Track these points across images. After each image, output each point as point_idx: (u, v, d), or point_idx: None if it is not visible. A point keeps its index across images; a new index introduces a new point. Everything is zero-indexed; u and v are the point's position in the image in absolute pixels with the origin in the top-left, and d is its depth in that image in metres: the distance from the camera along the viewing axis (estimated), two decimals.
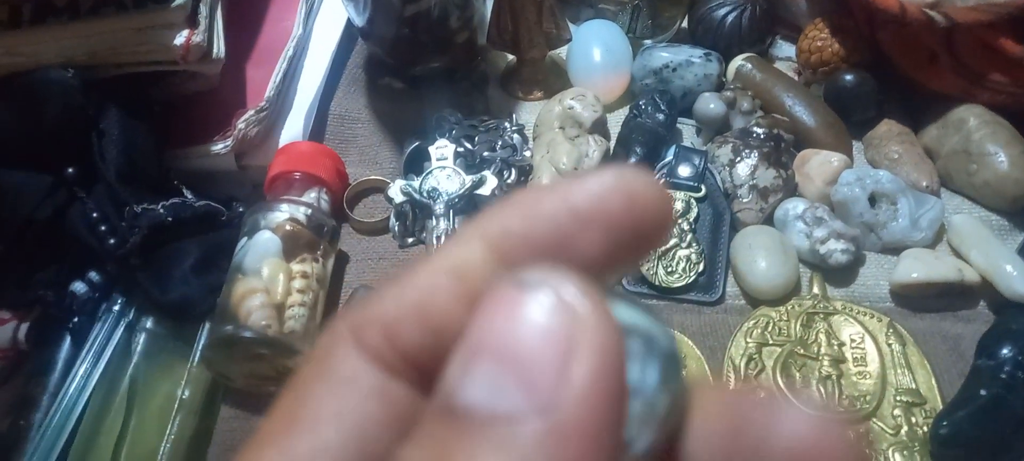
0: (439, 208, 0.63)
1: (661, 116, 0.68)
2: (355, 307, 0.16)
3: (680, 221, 0.64)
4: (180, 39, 0.61)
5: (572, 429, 0.13)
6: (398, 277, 0.16)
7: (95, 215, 0.59)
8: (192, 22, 0.62)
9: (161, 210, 0.60)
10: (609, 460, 0.13)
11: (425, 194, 0.64)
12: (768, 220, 0.65)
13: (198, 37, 0.61)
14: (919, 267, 0.59)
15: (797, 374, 0.57)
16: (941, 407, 0.54)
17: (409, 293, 0.16)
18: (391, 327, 0.15)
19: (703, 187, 0.65)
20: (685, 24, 0.79)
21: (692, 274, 0.62)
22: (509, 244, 0.16)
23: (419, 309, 0.15)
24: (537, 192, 0.16)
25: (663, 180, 0.66)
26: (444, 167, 0.65)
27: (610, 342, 0.13)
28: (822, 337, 0.58)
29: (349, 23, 0.77)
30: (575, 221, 0.15)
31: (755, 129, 0.68)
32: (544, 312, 0.13)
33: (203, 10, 0.63)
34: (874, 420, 0.54)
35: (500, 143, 0.69)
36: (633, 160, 0.67)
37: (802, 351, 0.58)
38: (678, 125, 0.72)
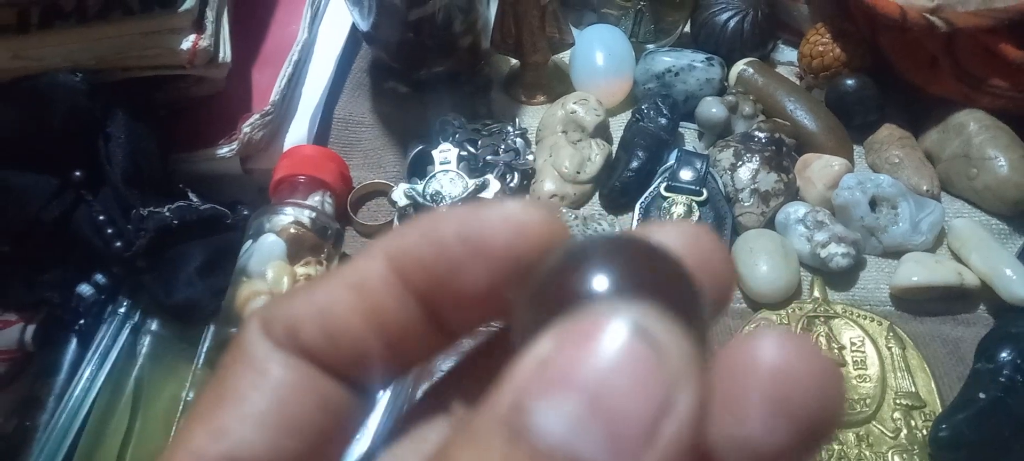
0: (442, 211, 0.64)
1: (663, 120, 0.69)
2: (265, 307, 0.18)
3: None
4: (187, 44, 0.61)
5: None
6: (307, 285, 0.17)
7: (101, 217, 0.59)
8: (199, 27, 0.62)
9: (167, 213, 0.60)
10: None
11: (429, 198, 0.65)
12: (769, 224, 0.65)
13: (205, 42, 0.62)
14: (919, 271, 0.60)
15: None
16: (941, 410, 0.54)
17: (312, 299, 0.17)
18: (293, 326, 0.17)
19: (705, 191, 0.65)
20: (687, 29, 0.79)
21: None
22: (407, 264, 0.16)
23: (320, 314, 0.16)
24: (437, 217, 0.16)
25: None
26: (447, 171, 0.66)
27: (701, 404, 0.13)
28: (822, 340, 0.58)
29: (354, 27, 0.78)
30: (464, 250, 0.16)
31: (757, 133, 0.68)
32: (643, 360, 0.13)
33: (210, 15, 0.63)
34: (874, 423, 0.55)
35: (503, 147, 0.70)
36: (635, 164, 0.67)
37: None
38: (680, 129, 0.72)
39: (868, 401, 0.55)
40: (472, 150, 0.69)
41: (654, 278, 0.14)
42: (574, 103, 0.70)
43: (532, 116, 0.75)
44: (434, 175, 0.66)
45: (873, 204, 0.63)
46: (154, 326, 0.61)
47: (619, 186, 0.67)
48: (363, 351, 0.17)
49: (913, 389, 0.56)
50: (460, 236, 0.16)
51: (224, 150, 0.66)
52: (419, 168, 0.69)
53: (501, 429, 0.13)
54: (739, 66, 0.74)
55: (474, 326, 0.18)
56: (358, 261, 0.17)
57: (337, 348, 0.16)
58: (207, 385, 0.17)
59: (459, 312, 0.17)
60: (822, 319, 0.59)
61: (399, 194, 0.65)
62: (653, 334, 0.13)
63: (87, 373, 0.58)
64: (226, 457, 0.16)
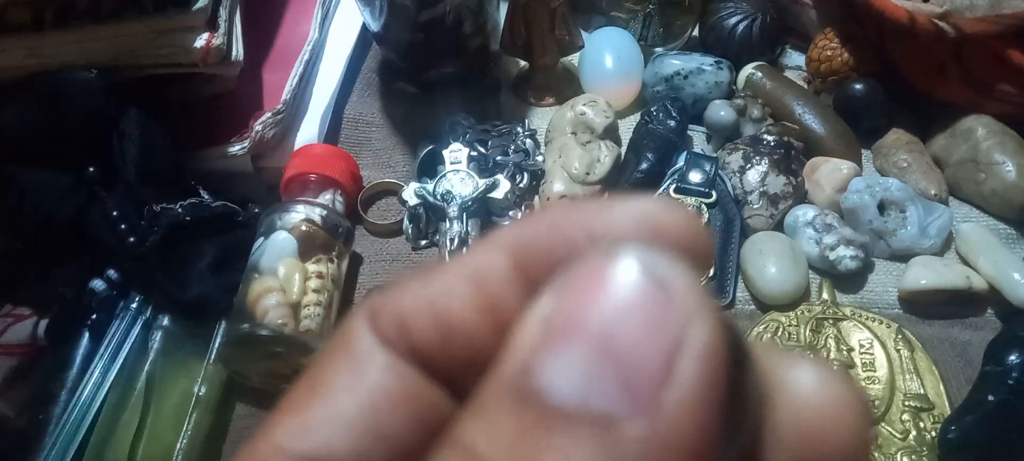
0: (453, 211, 0.64)
1: (672, 123, 0.69)
2: (375, 296, 0.16)
3: None
4: (200, 42, 0.62)
5: (677, 438, 0.11)
6: (420, 274, 0.16)
7: (115, 214, 0.60)
8: (212, 26, 0.63)
9: (179, 210, 0.61)
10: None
11: (439, 197, 0.65)
12: (778, 226, 0.65)
13: (218, 40, 0.62)
14: (928, 274, 0.60)
15: None
16: (949, 412, 0.55)
17: (426, 290, 0.15)
18: (404, 319, 0.15)
19: (714, 193, 0.65)
20: (696, 32, 0.80)
21: (702, 279, 0.62)
22: (530, 259, 0.15)
23: (433, 307, 0.15)
24: (563, 210, 0.15)
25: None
26: (458, 170, 0.66)
27: (720, 341, 0.12)
28: (831, 342, 0.59)
29: (364, 28, 0.78)
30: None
31: (765, 136, 0.69)
32: (649, 298, 0.12)
33: (222, 14, 0.64)
34: (883, 425, 0.55)
35: (513, 147, 0.70)
36: (644, 166, 0.68)
37: (811, 356, 0.58)
38: (689, 132, 0.73)
39: (877, 403, 0.55)
40: (482, 150, 0.69)
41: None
42: (583, 105, 0.71)
43: (541, 117, 0.76)
44: (445, 174, 0.66)
45: (881, 208, 0.63)
46: (166, 322, 0.61)
47: (628, 187, 0.68)
48: (478, 349, 0.15)
49: (922, 391, 0.56)
50: (591, 234, 0.14)
51: (236, 148, 0.67)
52: (429, 168, 0.69)
53: (509, 396, 0.12)
54: (747, 70, 0.75)
55: None
56: (475, 252, 0.15)
57: (450, 346, 0.15)
58: (305, 372, 0.16)
59: None
60: (831, 321, 0.60)
61: (409, 193, 0.66)
62: (658, 271, 0.12)
63: (99, 368, 0.58)
64: (306, 458, 0.15)
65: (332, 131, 0.74)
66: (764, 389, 0.14)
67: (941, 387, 0.56)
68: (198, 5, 0.62)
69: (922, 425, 0.54)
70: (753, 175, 0.66)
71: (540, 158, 0.71)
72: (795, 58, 0.80)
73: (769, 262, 0.61)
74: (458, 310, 0.15)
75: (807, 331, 0.59)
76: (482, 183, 0.66)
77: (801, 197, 0.67)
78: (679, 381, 0.12)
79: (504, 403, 0.12)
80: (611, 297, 0.12)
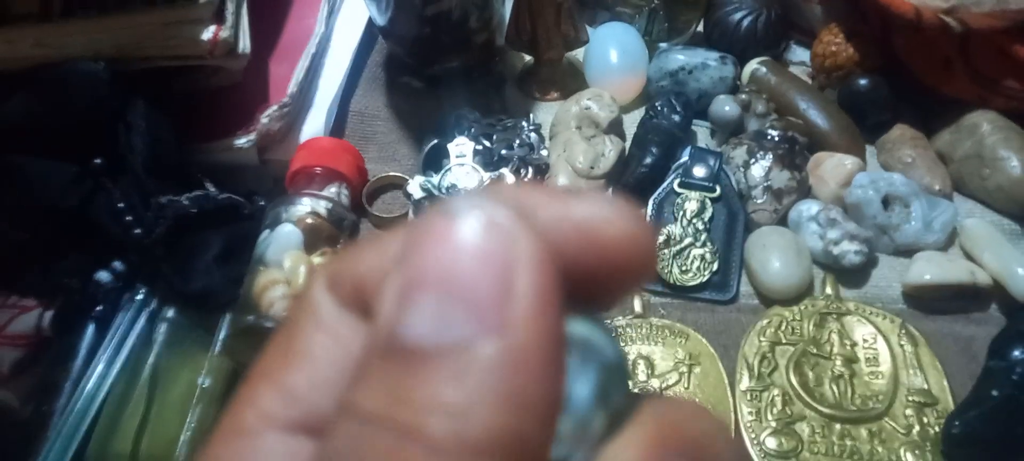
0: None
1: (677, 118, 0.69)
2: (332, 260, 0.17)
3: (695, 221, 0.64)
4: (207, 34, 0.62)
5: (527, 345, 0.13)
6: (377, 240, 0.16)
7: (120, 205, 0.60)
8: (219, 18, 0.63)
9: (185, 202, 0.61)
10: (560, 384, 0.13)
11: (444, 190, 0.65)
12: (782, 221, 0.65)
13: (225, 32, 0.62)
14: (932, 269, 0.60)
15: (810, 373, 0.57)
16: (953, 407, 0.55)
17: (380, 258, 0.16)
18: (360, 284, 0.16)
19: (718, 187, 0.66)
20: (701, 28, 0.80)
21: (706, 273, 0.62)
22: None
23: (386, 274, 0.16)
24: (534, 191, 0.16)
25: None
26: (463, 164, 0.66)
27: (544, 254, 0.13)
28: (835, 337, 0.59)
29: (370, 22, 0.78)
30: (579, 236, 0.16)
31: (770, 131, 0.69)
32: (477, 234, 0.13)
33: (230, 6, 0.64)
34: (886, 419, 0.55)
35: (518, 142, 0.70)
36: (648, 160, 0.68)
37: (815, 351, 0.58)
38: (693, 127, 0.73)
39: (880, 397, 0.56)
40: (487, 144, 0.69)
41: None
42: (588, 99, 0.71)
43: (546, 112, 0.76)
44: (450, 168, 0.66)
45: (886, 203, 0.63)
46: (171, 314, 0.61)
47: (632, 182, 0.68)
48: None
49: (925, 386, 0.56)
50: (571, 223, 0.15)
51: (242, 141, 0.67)
52: (434, 161, 0.69)
53: (378, 353, 0.13)
54: (752, 65, 0.75)
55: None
56: (438, 214, 0.16)
57: None
58: (272, 340, 0.17)
59: None
60: (834, 316, 0.60)
61: (415, 186, 0.66)
62: (479, 209, 0.13)
63: (104, 359, 0.58)
64: (300, 424, 0.15)
65: (338, 124, 0.75)
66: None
67: (945, 382, 0.56)
68: None
69: (926, 420, 0.55)
70: (757, 170, 0.66)
71: (545, 152, 0.71)
72: (800, 53, 0.80)
73: (773, 257, 0.61)
74: None
75: (811, 326, 0.59)
76: (487, 177, 0.66)
77: (805, 192, 0.67)
78: (518, 294, 0.13)
79: (375, 361, 0.13)
80: (447, 242, 0.13)
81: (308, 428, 0.15)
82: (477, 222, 0.13)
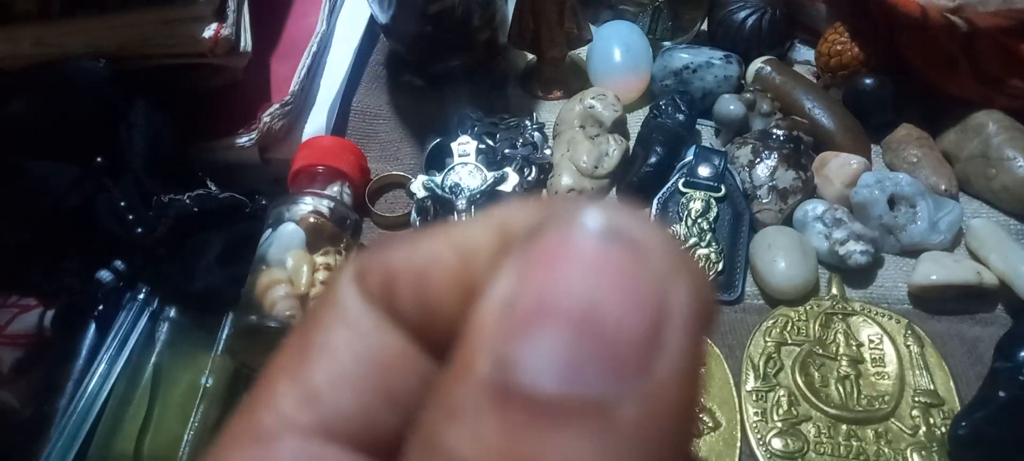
0: (461, 204, 0.64)
1: (681, 117, 0.69)
2: (362, 256, 0.15)
3: (700, 220, 0.64)
4: (209, 32, 0.62)
5: (673, 410, 0.11)
6: (411, 237, 0.14)
7: (122, 204, 0.60)
8: (220, 16, 0.63)
9: (187, 201, 0.61)
10: (691, 448, 0.11)
11: (447, 190, 0.65)
12: (787, 221, 0.65)
13: (226, 31, 0.62)
14: (938, 270, 0.60)
15: (816, 374, 0.57)
16: (959, 408, 0.54)
17: (412, 255, 0.14)
18: (389, 283, 0.14)
19: (723, 187, 0.65)
20: (705, 26, 0.80)
21: (711, 273, 0.62)
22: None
23: (417, 277, 0.14)
24: (565, 199, 0.14)
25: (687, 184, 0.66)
26: (466, 163, 0.66)
27: (704, 299, 0.11)
28: (841, 337, 0.58)
29: (372, 20, 0.78)
30: None
31: (774, 131, 0.68)
32: (623, 262, 0.11)
33: (231, 4, 0.64)
34: (892, 420, 0.55)
35: (521, 141, 0.70)
36: (653, 160, 0.67)
37: (821, 351, 0.58)
38: (698, 126, 0.72)
39: (887, 398, 0.55)
40: (490, 143, 0.69)
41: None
42: (592, 98, 0.70)
43: (549, 111, 0.75)
44: (453, 167, 0.66)
45: (891, 203, 0.63)
46: (173, 313, 0.61)
47: (637, 182, 0.67)
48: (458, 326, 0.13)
49: (932, 387, 0.56)
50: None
51: (243, 140, 0.66)
52: (437, 161, 0.69)
53: (487, 394, 0.11)
54: (756, 64, 0.74)
55: None
56: (465, 225, 0.14)
57: (432, 319, 0.14)
58: (291, 335, 0.15)
59: None
60: (840, 316, 0.59)
61: (417, 186, 0.66)
62: (627, 231, 0.11)
63: (106, 359, 0.58)
64: (319, 427, 0.14)
65: (340, 123, 0.74)
66: None
67: (951, 383, 0.56)
68: None
69: (932, 421, 0.54)
70: (762, 169, 0.66)
71: (548, 151, 0.70)
72: (804, 52, 0.79)
73: (778, 257, 0.61)
74: (441, 285, 0.13)
75: (816, 326, 0.59)
76: (490, 176, 0.65)
77: (810, 192, 0.66)
78: (669, 349, 0.11)
79: (483, 403, 0.11)
80: (581, 267, 0.11)
81: (329, 432, 0.14)
82: (624, 244, 0.11)
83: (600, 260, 0.11)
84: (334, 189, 0.65)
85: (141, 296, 0.61)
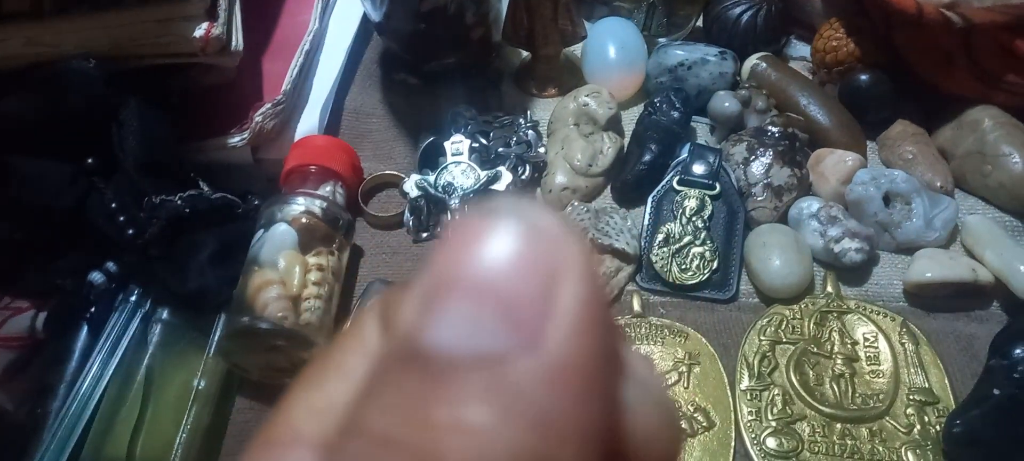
0: (454, 203, 0.64)
1: (676, 114, 0.69)
2: (387, 292, 0.16)
3: (694, 218, 0.64)
4: (200, 31, 0.61)
5: (568, 363, 0.12)
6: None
7: (114, 205, 0.59)
8: (212, 15, 0.62)
9: (179, 201, 0.60)
10: (608, 402, 0.12)
11: (440, 189, 0.64)
12: (782, 218, 0.65)
13: (217, 30, 0.62)
14: (933, 267, 0.60)
15: (810, 372, 0.57)
16: (954, 406, 0.54)
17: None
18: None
19: (718, 185, 0.65)
20: (700, 23, 0.79)
21: (706, 271, 0.62)
22: None
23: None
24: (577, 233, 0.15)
25: (678, 178, 0.66)
26: (459, 162, 0.66)
27: (592, 266, 0.12)
28: (835, 336, 0.58)
29: (365, 18, 0.78)
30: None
31: (770, 128, 0.68)
32: (520, 238, 0.12)
33: (222, 3, 0.63)
34: (887, 418, 0.54)
35: (515, 139, 0.69)
36: (647, 158, 0.67)
37: (815, 349, 0.58)
38: (693, 123, 0.72)
39: (881, 397, 0.55)
40: (484, 142, 0.69)
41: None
42: (586, 96, 0.70)
43: (543, 109, 0.75)
44: (446, 166, 0.66)
45: (887, 200, 0.63)
46: (165, 314, 0.61)
47: (631, 179, 0.67)
48: None
49: (926, 385, 0.55)
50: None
51: (235, 139, 0.66)
52: (430, 159, 0.69)
53: (395, 364, 0.12)
54: (752, 60, 0.74)
55: None
56: None
57: None
58: (316, 357, 0.16)
59: None
60: (835, 314, 0.59)
61: (411, 185, 0.65)
62: (528, 216, 0.12)
63: (98, 361, 0.58)
64: (324, 440, 0.14)
65: (332, 122, 0.74)
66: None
67: (946, 381, 0.56)
68: None
69: (927, 419, 0.54)
70: (757, 167, 0.66)
71: (542, 150, 0.70)
72: (800, 49, 0.79)
73: (773, 255, 0.60)
74: None
75: (811, 324, 0.59)
76: (484, 175, 0.65)
77: (806, 189, 0.66)
78: (560, 308, 0.12)
79: (391, 372, 0.12)
80: (485, 244, 0.12)
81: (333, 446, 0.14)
82: (520, 225, 0.12)
83: (503, 236, 0.12)
84: (327, 189, 0.65)
85: (133, 298, 0.61)
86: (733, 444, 0.54)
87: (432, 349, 0.12)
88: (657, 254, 0.63)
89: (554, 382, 0.11)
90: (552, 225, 0.12)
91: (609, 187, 0.69)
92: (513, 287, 0.12)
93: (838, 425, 0.54)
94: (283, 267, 0.58)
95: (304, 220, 0.61)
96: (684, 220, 0.64)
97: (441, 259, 0.12)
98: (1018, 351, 0.54)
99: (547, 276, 0.12)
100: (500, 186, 0.65)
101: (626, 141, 0.71)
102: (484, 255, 0.12)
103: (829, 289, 0.61)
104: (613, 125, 0.71)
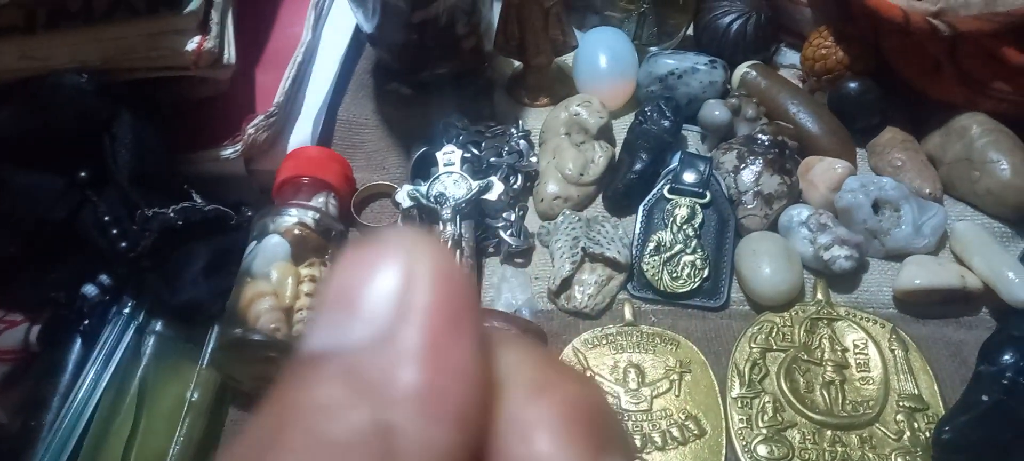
0: (446, 213, 0.64)
1: (666, 123, 0.69)
2: None
3: (685, 227, 0.64)
4: (192, 45, 0.61)
5: (418, 355, 0.13)
6: None
7: (107, 218, 0.59)
8: (204, 28, 0.62)
9: (172, 213, 0.61)
10: (464, 386, 0.13)
11: (432, 199, 0.65)
12: (772, 226, 0.65)
13: (210, 43, 0.62)
14: (922, 274, 0.60)
15: (801, 379, 0.57)
16: (943, 413, 0.55)
17: None
18: None
19: (708, 193, 0.65)
20: (690, 31, 0.80)
21: (697, 279, 0.62)
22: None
23: None
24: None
25: (668, 186, 0.66)
26: (451, 172, 0.66)
27: (445, 270, 0.14)
28: (826, 343, 0.59)
29: (357, 29, 0.78)
30: None
31: (760, 136, 0.68)
32: (380, 257, 0.14)
33: (214, 16, 0.63)
34: (877, 425, 0.55)
35: (507, 149, 0.70)
36: (638, 166, 0.67)
37: (806, 357, 0.58)
38: (683, 132, 0.72)
39: (871, 403, 0.55)
40: (476, 152, 0.69)
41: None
42: (577, 105, 0.70)
43: (535, 118, 0.75)
44: (438, 176, 0.66)
45: (876, 207, 0.63)
46: (158, 327, 0.61)
47: (622, 188, 0.67)
48: None
49: (916, 391, 0.56)
50: None
51: (228, 151, 0.66)
52: (423, 170, 0.69)
53: (290, 366, 0.14)
54: (742, 69, 0.75)
55: None
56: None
57: None
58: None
59: None
60: (825, 321, 0.60)
61: (403, 196, 0.65)
62: (383, 236, 0.14)
63: (92, 373, 0.58)
64: None
65: (325, 133, 0.74)
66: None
67: (935, 387, 0.56)
68: (190, 7, 0.61)
69: (916, 425, 0.54)
70: (747, 175, 0.66)
71: (534, 159, 0.70)
72: (790, 57, 0.80)
73: (763, 262, 0.61)
74: None
75: (801, 332, 0.59)
76: (476, 185, 0.65)
77: (795, 197, 0.66)
78: (413, 305, 0.13)
79: (291, 372, 0.14)
80: (350, 263, 0.14)
81: None
82: (379, 245, 0.14)
83: (362, 255, 0.14)
84: (319, 200, 0.65)
85: (127, 310, 0.61)
86: (724, 452, 0.55)
87: (307, 350, 0.14)
88: (648, 262, 0.63)
89: (405, 366, 0.13)
90: (408, 236, 0.14)
91: (601, 196, 0.70)
92: (371, 293, 0.14)
93: (828, 432, 0.55)
94: (276, 278, 0.58)
95: (297, 231, 0.61)
96: (675, 228, 0.64)
97: (324, 284, 0.14)
98: (1006, 357, 0.55)
99: (402, 281, 0.14)
100: (492, 196, 0.65)
101: (617, 150, 0.71)
102: (351, 272, 0.14)
103: (819, 296, 0.61)
104: (604, 134, 0.71)
